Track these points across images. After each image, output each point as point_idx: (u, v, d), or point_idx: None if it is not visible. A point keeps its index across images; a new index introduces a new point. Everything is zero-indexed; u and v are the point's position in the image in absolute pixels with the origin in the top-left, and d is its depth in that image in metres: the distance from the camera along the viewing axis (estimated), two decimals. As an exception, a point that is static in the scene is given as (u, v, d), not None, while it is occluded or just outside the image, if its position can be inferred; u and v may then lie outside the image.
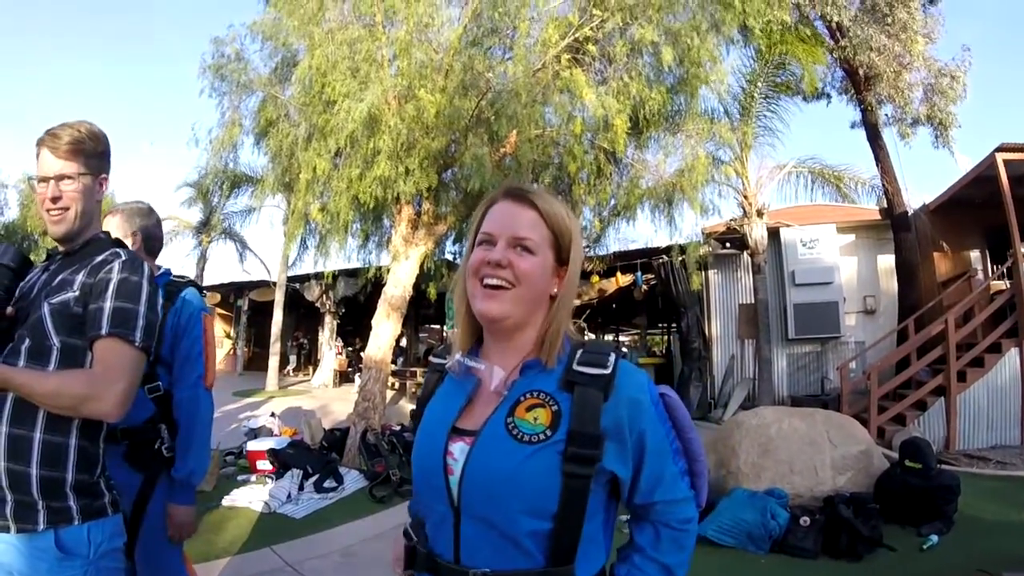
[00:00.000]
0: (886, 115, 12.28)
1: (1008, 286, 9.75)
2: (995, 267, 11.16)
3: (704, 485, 1.17)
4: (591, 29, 7.32)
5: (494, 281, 1.10)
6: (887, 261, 12.43)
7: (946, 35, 11.87)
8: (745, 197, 11.41)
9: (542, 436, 1.02)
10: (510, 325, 1.12)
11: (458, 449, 1.07)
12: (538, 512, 1.01)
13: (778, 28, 9.16)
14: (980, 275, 11.25)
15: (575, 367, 1.07)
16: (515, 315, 1.11)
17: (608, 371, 1.06)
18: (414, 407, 1.28)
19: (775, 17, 8.05)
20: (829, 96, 13.36)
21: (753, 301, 11.89)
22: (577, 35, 7.27)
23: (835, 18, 11.15)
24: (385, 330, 8.18)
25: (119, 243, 1.71)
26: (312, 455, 7.07)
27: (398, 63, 7.04)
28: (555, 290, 1.14)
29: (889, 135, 12.30)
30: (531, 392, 1.07)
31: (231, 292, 20.13)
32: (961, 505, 5.22)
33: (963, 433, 8.99)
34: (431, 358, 1.31)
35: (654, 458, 1.08)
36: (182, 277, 2.49)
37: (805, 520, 4.72)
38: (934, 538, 4.73)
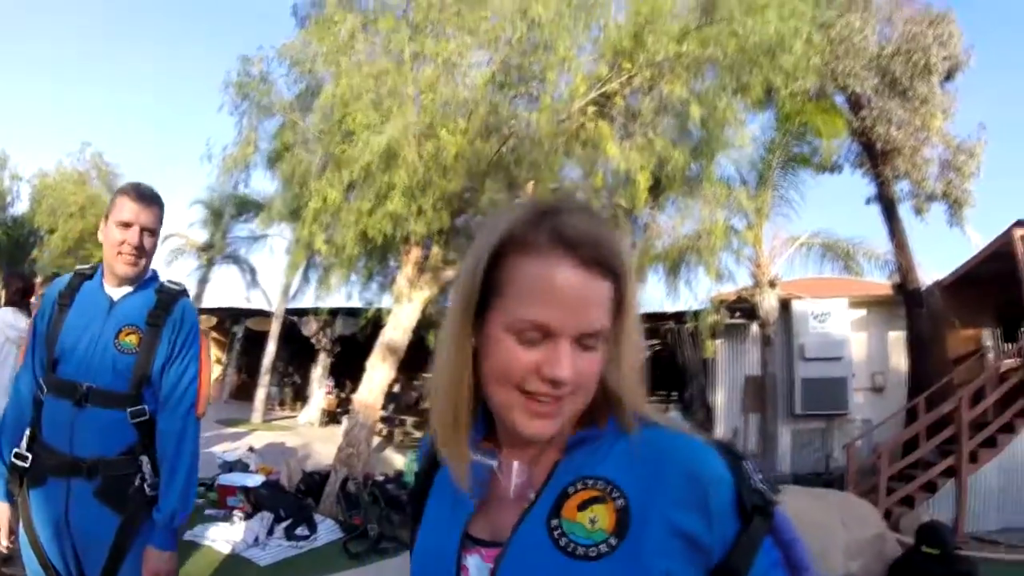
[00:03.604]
0: (901, 190, 12.26)
1: (1020, 364, 9.55)
2: (1007, 345, 10.98)
3: None
4: (619, 83, 7.27)
5: (547, 398, 0.74)
6: (897, 337, 12.27)
7: (961, 110, 11.97)
8: (758, 266, 11.29)
9: (603, 548, 0.70)
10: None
11: (474, 565, 0.77)
12: None
13: (802, 95, 9.17)
14: (991, 353, 11.06)
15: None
16: (565, 426, 0.78)
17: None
18: (407, 498, 0.95)
19: (800, 83, 8.00)
20: (842, 168, 13.37)
21: (761, 373, 11.60)
22: (604, 89, 7.22)
23: (856, 89, 11.23)
24: (379, 373, 7.84)
25: None
26: (287, 498, 6.64)
27: (422, 99, 6.95)
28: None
29: (903, 210, 12.25)
30: (584, 480, 0.75)
31: (228, 318, 19.86)
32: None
33: (973, 516, 8.63)
34: (429, 436, 0.91)
35: None
36: (175, 284, 2.14)
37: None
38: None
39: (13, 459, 1.93)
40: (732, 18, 6.98)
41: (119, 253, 1.98)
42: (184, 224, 19.83)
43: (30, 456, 1.91)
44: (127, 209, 1.99)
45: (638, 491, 0.72)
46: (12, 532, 1.99)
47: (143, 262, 2.04)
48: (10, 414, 2.05)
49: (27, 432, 1.95)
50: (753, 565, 0.70)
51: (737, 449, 0.79)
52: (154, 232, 2.05)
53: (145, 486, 1.92)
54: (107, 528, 1.87)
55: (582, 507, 0.73)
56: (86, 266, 2.16)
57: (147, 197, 2.04)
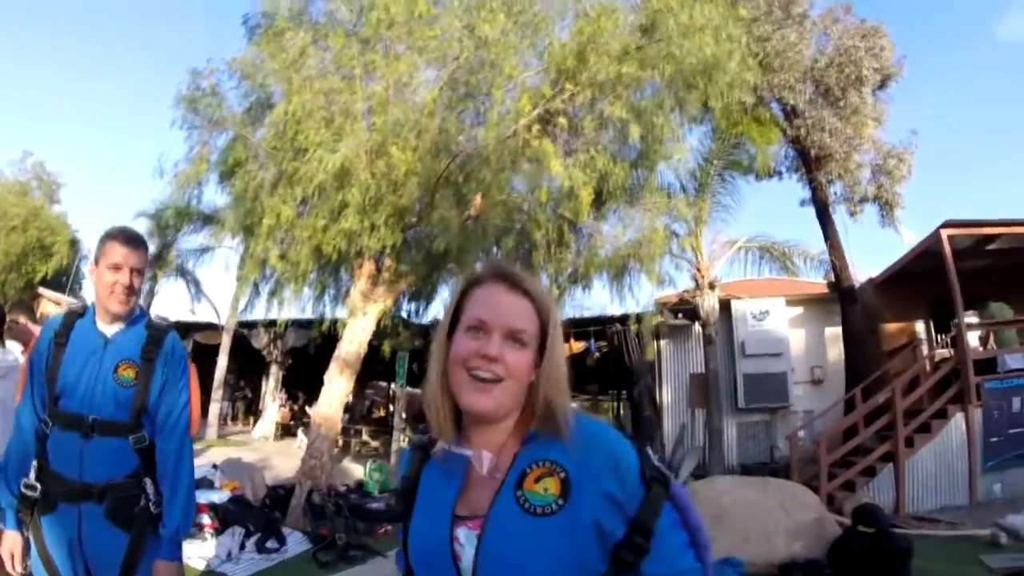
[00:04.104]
0: (835, 193, 12.97)
1: (952, 354, 10.13)
2: (939, 336, 11.57)
3: (710, 559, 1.10)
4: (562, 102, 7.55)
5: (486, 375, 1.06)
6: (834, 333, 12.92)
7: (894, 117, 12.70)
8: (698, 270, 11.74)
9: (554, 507, 1.00)
10: (499, 416, 1.10)
11: (463, 534, 1.05)
12: None
13: (737, 109, 9.61)
14: (924, 345, 11.69)
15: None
16: (504, 408, 1.09)
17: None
18: (398, 492, 1.22)
19: (734, 98, 8.39)
20: (780, 174, 14.05)
21: (704, 371, 12.07)
22: (548, 106, 7.48)
23: (791, 102, 11.84)
24: (337, 387, 7.96)
25: None
26: (254, 512, 6.77)
27: (374, 119, 7.10)
28: (532, 377, 1.10)
29: (837, 212, 12.98)
30: (537, 462, 1.05)
31: (176, 332, 19.35)
32: (915, 566, 5.31)
33: (912, 497, 9.16)
34: (411, 437, 1.25)
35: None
36: (162, 319, 2.34)
37: (761, 592, 4.72)
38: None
39: (23, 489, 2.08)
40: (670, 39, 7.34)
41: (112, 293, 2.16)
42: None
43: (39, 485, 2.08)
44: (117, 253, 2.16)
45: (576, 467, 1.02)
46: (24, 558, 2.14)
47: (134, 300, 2.23)
48: (14, 448, 2.19)
49: (34, 463, 2.10)
50: (658, 522, 1.02)
51: (639, 442, 1.14)
52: (142, 272, 2.24)
53: (150, 505, 2.12)
54: (117, 546, 2.06)
55: (537, 480, 1.03)
56: (77, 304, 2.33)
57: (134, 241, 2.23)
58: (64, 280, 22.65)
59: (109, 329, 2.22)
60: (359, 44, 7.65)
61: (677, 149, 8.25)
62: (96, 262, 2.21)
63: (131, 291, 2.20)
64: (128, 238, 2.22)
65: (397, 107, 7.02)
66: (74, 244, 23.26)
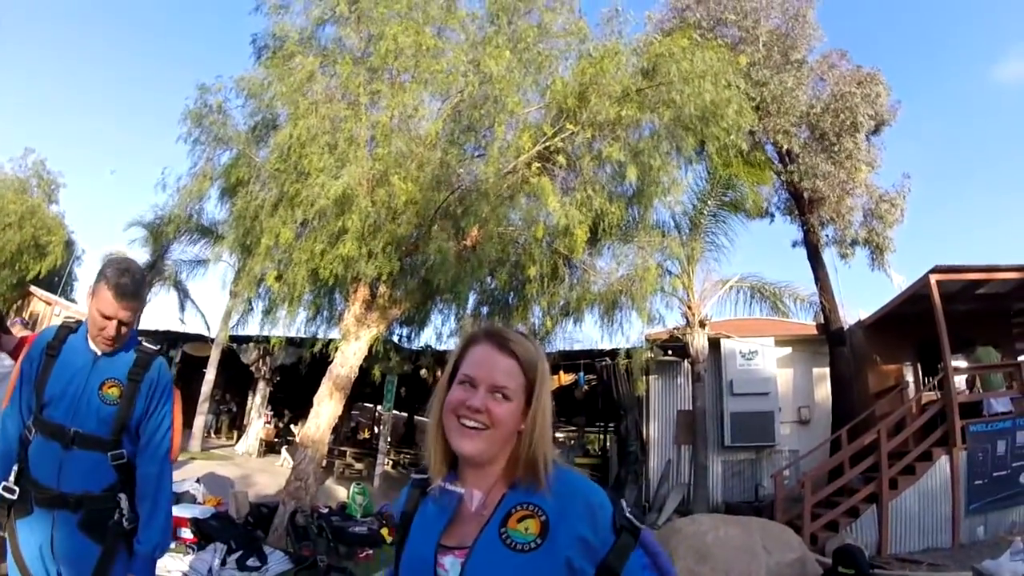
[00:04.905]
0: (827, 236, 13.16)
1: (938, 397, 10.21)
2: (926, 379, 11.63)
3: None
4: (562, 140, 7.73)
5: (471, 423, 1.19)
6: (822, 373, 12.98)
7: (887, 161, 12.88)
8: (689, 307, 11.84)
9: (533, 545, 1.11)
10: (484, 460, 1.22)
11: (448, 562, 1.16)
12: None
13: (733, 152, 9.79)
14: (911, 387, 11.76)
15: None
16: (488, 453, 1.21)
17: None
18: (398, 521, 1.33)
19: (731, 142, 8.54)
20: (773, 215, 14.27)
21: (691, 408, 12.13)
22: (548, 144, 7.65)
23: (786, 146, 12.06)
24: (326, 409, 8.01)
25: None
26: (236, 530, 6.72)
27: (377, 148, 7.23)
28: (522, 426, 1.23)
29: (828, 254, 13.18)
30: (521, 504, 1.17)
31: (164, 342, 19.27)
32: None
33: (895, 538, 9.18)
34: (413, 475, 1.37)
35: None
36: (151, 345, 2.39)
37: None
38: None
39: (2, 492, 2.14)
40: (671, 84, 7.53)
41: (97, 335, 2.23)
42: (124, 243, 19.28)
43: (17, 489, 2.14)
44: (108, 305, 2.19)
45: (554, 511, 1.15)
46: (1, 560, 2.20)
47: (118, 345, 2.28)
48: None
49: (15, 468, 2.17)
50: (625, 566, 1.14)
51: (616, 493, 1.26)
52: (130, 323, 2.27)
53: (123, 520, 2.18)
54: (89, 556, 2.12)
55: (520, 520, 1.15)
56: (71, 319, 2.40)
57: (127, 296, 2.21)
58: (57, 280, 22.61)
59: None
60: (366, 72, 7.82)
61: (673, 189, 8.40)
62: (91, 294, 2.23)
63: (115, 340, 2.24)
64: (122, 292, 2.20)
65: (400, 137, 7.17)
66: (69, 245, 23.26)
